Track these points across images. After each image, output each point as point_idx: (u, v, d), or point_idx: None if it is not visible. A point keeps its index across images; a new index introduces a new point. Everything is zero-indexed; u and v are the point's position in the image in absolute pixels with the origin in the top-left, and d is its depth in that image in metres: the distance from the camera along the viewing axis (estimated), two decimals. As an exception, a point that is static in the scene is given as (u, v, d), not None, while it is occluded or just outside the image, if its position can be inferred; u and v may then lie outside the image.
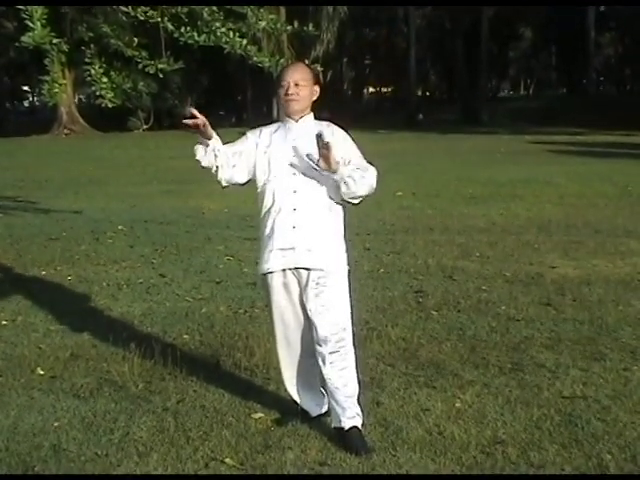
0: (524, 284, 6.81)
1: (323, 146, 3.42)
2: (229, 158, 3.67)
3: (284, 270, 3.65)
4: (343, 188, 3.54)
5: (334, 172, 3.49)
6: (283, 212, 3.63)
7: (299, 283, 3.66)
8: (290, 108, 3.65)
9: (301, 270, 3.63)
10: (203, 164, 3.65)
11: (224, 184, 3.75)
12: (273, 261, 3.66)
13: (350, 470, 3.43)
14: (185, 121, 3.49)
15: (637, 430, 3.77)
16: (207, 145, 3.61)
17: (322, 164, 3.49)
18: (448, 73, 59.91)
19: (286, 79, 3.62)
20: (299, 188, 3.61)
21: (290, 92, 3.60)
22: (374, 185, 3.62)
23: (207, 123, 3.52)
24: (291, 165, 3.62)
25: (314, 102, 3.72)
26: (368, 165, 3.64)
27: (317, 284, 3.60)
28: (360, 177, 3.54)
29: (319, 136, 3.41)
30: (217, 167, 3.65)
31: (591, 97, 46.21)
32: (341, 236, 3.73)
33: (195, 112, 3.48)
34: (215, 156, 3.63)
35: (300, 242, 3.60)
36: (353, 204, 3.68)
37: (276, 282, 3.70)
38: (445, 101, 61.31)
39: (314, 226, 3.61)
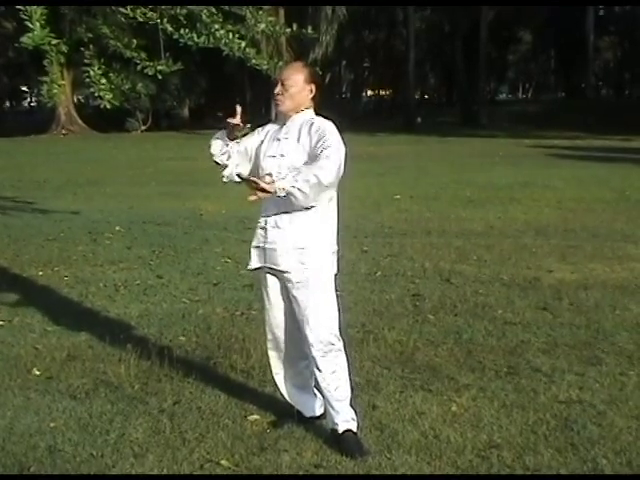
0: (521, 288, 6.82)
1: (249, 183, 3.41)
2: (235, 157, 3.76)
3: (261, 268, 3.73)
4: (293, 200, 3.45)
5: (276, 192, 3.39)
6: (261, 212, 3.71)
7: (279, 283, 3.71)
8: (277, 107, 3.71)
9: (276, 271, 3.67)
10: (215, 159, 3.76)
11: (225, 180, 3.85)
12: (251, 259, 3.76)
13: (345, 473, 3.43)
14: (229, 120, 3.64)
15: (633, 435, 3.77)
16: (227, 144, 3.71)
17: (261, 194, 3.42)
18: (447, 76, 60.02)
19: (276, 79, 3.71)
20: None
21: (275, 92, 3.67)
22: (325, 182, 3.42)
23: (242, 126, 3.66)
24: (269, 166, 3.65)
25: (313, 100, 3.69)
26: (323, 161, 3.44)
27: (298, 286, 3.60)
28: (304, 182, 3.39)
29: (238, 175, 3.59)
30: (226, 165, 3.77)
31: (590, 101, 46.29)
32: (325, 238, 3.64)
33: (239, 111, 3.63)
34: (229, 156, 3.74)
35: (268, 243, 3.65)
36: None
37: (258, 279, 3.82)
38: (444, 104, 61.42)
39: (286, 228, 3.59)
